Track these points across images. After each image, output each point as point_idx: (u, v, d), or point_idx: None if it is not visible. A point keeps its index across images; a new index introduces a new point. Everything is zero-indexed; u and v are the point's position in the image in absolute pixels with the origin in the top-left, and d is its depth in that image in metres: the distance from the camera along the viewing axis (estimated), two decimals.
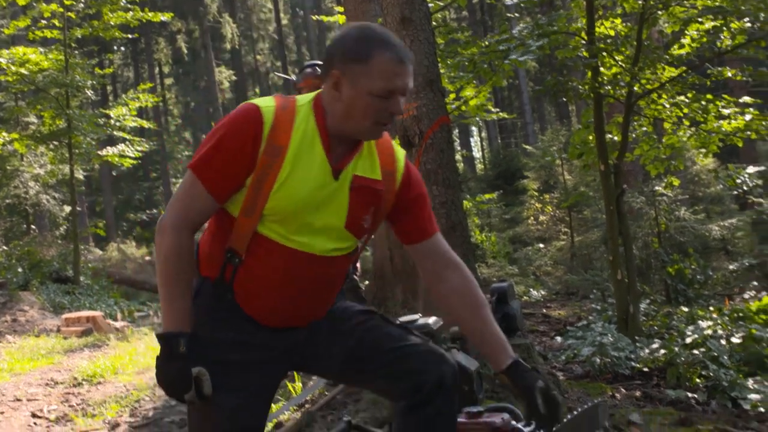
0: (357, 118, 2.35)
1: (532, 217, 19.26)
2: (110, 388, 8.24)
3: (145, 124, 21.34)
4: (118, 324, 13.57)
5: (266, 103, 2.38)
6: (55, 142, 19.07)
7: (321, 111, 2.41)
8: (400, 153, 2.62)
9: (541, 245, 18.13)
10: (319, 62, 5.76)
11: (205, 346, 2.43)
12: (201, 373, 2.37)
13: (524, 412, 2.52)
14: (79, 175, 21.58)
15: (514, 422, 3.20)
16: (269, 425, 5.70)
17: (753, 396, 5.14)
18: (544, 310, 10.33)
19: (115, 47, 42.41)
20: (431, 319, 3.86)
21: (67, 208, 23.93)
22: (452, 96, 9.55)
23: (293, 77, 5.78)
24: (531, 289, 14.00)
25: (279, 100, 2.40)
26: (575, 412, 3.83)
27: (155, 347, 10.88)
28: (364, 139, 2.43)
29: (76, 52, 21.11)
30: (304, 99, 2.46)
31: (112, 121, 19.32)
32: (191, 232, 2.41)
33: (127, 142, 19.69)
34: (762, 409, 4.95)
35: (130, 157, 19.63)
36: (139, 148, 19.72)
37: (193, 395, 2.37)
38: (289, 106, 2.40)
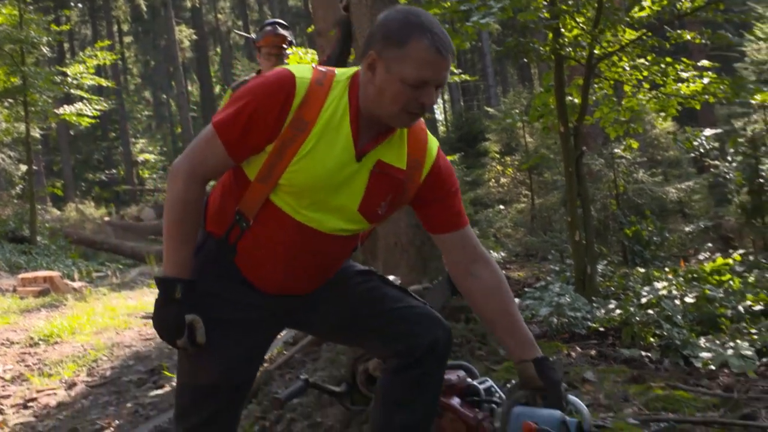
0: (386, 103, 2.28)
1: (493, 180, 19.32)
2: (67, 348, 8.21)
3: (104, 83, 21.06)
4: (76, 284, 13.47)
5: (303, 74, 2.31)
6: (10, 100, 18.75)
7: (356, 90, 2.34)
8: (434, 144, 2.55)
9: (502, 207, 18.22)
10: (280, 21, 5.70)
11: (202, 300, 2.43)
12: (195, 321, 2.37)
13: (542, 403, 2.54)
14: (36, 133, 21.30)
15: (469, 379, 3.24)
16: None
17: (704, 354, 5.24)
18: (504, 272, 10.40)
19: (72, 3, 41.62)
20: (390, 277, 3.87)
21: (23, 167, 23.59)
22: None
23: (253, 36, 5.71)
24: (491, 251, 14.08)
25: (316, 74, 2.34)
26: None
27: (113, 307, 10.83)
28: (392, 125, 2.36)
29: (31, 7, 20.70)
30: (343, 75, 2.39)
31: (69, 79, 19.04)
32: (202, 182, 2.38)
33: (85, 101, 19.43)
34: (712, 367, 5.05)
35: (88, 116, 19.40)
36: (97, 107, 19.49)
37: (186, 342, 2.37)
38: (326, 81, 2.33)
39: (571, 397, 2.46)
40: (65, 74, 19.13)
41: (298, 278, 2.52)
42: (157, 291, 2.37)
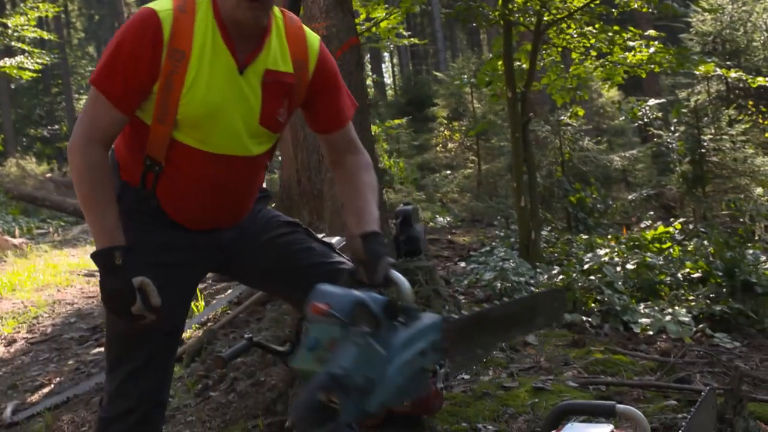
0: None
1: (440, 145, 19.33)
2: (7, 304, 8.09)
3: (46, 36, 20.60)
4: (17, 241, 13.25)
5: (163, 7, 2.29)
6: None
7: (217, 6, 2.34)
8: (314, 39, 2.54)
9: (449, 172, 18.26)
10: None
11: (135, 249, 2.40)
12: (144, 283, 2.29)
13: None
14: None
15: None
16: None
17: (643, 320, 5.34)
18: (449, 237, 10.46)
19: None
20: (334, 239, 3.87)
21: None
22: (363, 17, 9.43)
23: None
24: (437, 216, 14.13)
25: (176, 2, 2.31)
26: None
27: (55, 264, 10.69)
28: (246, 22, 2.32)
29: None
30: None
31: (10, 31, 18.55)
32: (103, 147, 2.33)
33: (27, 54, 18.95)
34: (651, 333, 5.15)
35: (29, 70, 18.93)
36: (39, 61, 19.01)
37: (140, 307, 2.28)
38: (188, 6, 2.32)
39: (394, 273, 2.39)
40: (5, 26, 18.65)
41: (224, 208, 2.50)
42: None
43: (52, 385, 5.36)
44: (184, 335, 5.72)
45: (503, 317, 2.75)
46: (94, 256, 2.31)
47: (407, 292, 2.35)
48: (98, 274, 2.32)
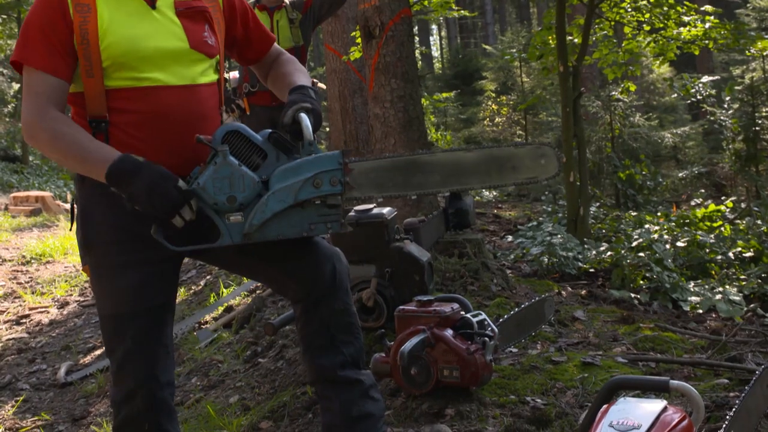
0: None
1: (488, 119, 19.22)
2: (59, 267, 8.24)
3: None
4: (68, 205, 13.46)
5: None
6: (4, 16, 18.45)
7: None
8: None
9: None
10: None
11: (104, 227, 2.44)
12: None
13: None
14: None
15: (462, 312, 3.27)
16: (219, 309, 5.76)
17: (692, 298, 5.29)
18: (495, 211, 10.41)
19: None
20: (386, 210, 3.88)
21: (16, 86, 23.35)
22: None
23: None
24: (483, 190, 14.08)
25: None
26: (522, 306, 3.93)
27: None
28: None
29: None
30: None
31: None
32: (54, 109, 2.38)
33: None
34: (700, 311, 5.10)
35: None
36: None
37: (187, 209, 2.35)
38: None
39: (301, 114, 2.45)
40: None
41: (179, 146, 2.47)
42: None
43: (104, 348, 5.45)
44: (233, 302, 5.78)
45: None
46: (113, 171, 2.29)
47: (306, 131, 2.44)
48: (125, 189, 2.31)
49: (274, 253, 2.56)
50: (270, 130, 2.48)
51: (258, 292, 5.71)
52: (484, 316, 3.28)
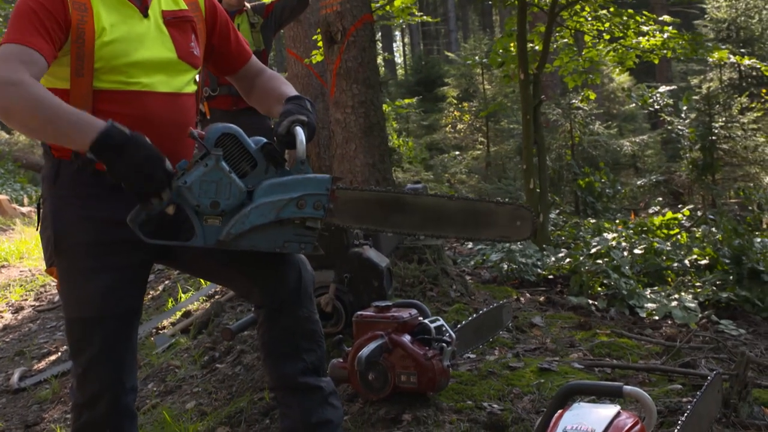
0: None
1: (450, 125, 19.30)
2: (15, 272, 8.13)
3: None
4: (25, 209, 13.30)
5: None
6: None
7: None
8: None
9: (458, 153, 18.23)
10: None
11: (76, 228, 2.42)
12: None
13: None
14: None
15: (421, 318, 3.28)
16: (177, 313, 5.72)
17: (649, 305, 5.33)
18: None
19: None
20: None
21: None
22: None
23: None
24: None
25: None
26: (480, 312, 3.95)
27: None
28: None
29: None
30: None
31: None
32: (26, 74, 2.25)
33: None
34: (656, 318, 5.15)
35: None
36: None
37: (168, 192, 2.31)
38: None
39: (297, 128, 2.44)
40: None
41: (165, 155, 2.39)
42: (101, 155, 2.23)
43: (59, 353, 5.39)
44: (191, 307, 5.75)
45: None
46: (100, 142, 2.20)
47: (300, 147, 2.43)
48: (110, 161, 2.23)
49: (240, 257, 2.55)
50: (264, 141, 2.46)
51: (217, 297, 5.69)
52: (442, 321, 3.29)
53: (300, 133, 2.44)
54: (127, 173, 2.23)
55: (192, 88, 2.64)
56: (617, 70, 9.91)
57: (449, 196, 2.95)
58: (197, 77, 2.68)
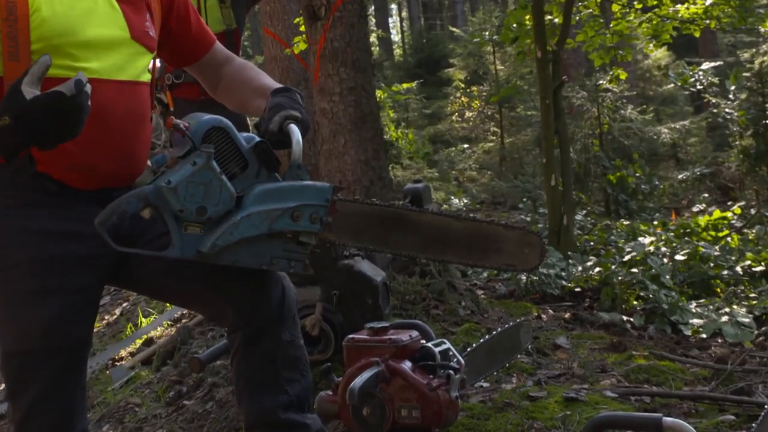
0: None
1: (456, 113, 19.32)
2: None
3: None
4: None
5: None
6: None
7: None
8: None
9: (466, 146, 18.25)
10: None
11: (14, 246, 2.38)
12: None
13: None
14: None
15: (423, 341, 3.27)
16: (137, 341, 5.71)
17: (694, 321, 5.33)
18: None
19: None
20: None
21: None
22: None
23: None
24: (452, 197, 14.12)
25: None
26: (494, 332, 3.94)
27: None
28: None
29: None
30: None
31: None
32: None
33: None
34: (704, 336, 5.14)
35: None
36: None
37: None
38: None
39: (291, 126, 2.45)
40: None
41: (113, 150, 2.44)
42: None
43: None
44: (154, 333, 5.74)
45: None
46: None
47: (296, 147, 2.43)
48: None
49: (207, 272, 2.54)
50: (257, 138, 2.46)
51: (184, 321, 5.68)
52: (448, 345, 3.28)
53: (296, 131, 2.45)
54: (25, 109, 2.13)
55: (148, 77, 2.62)
56: (652, 44, 9.90)
57: (456, 215, 3.01)
58: (150, 65, 2.65)
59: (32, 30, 2.32)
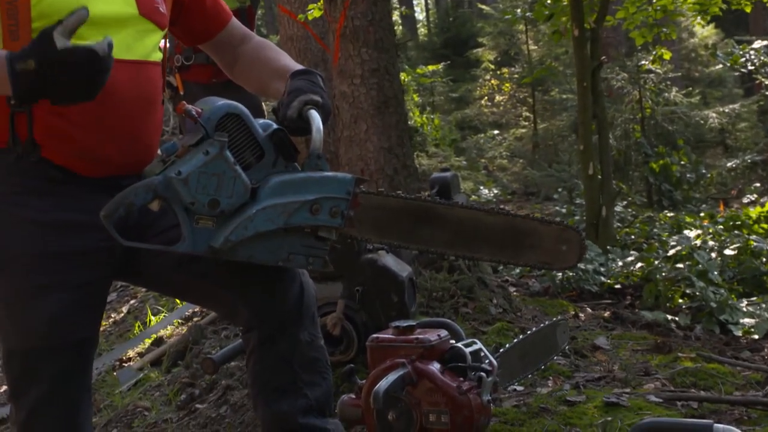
0: None
1: (486, 97, 19.29)
2: None
3: None
4: None
5: None
6: None
7: None
8: None
9: (496, 132, 18.22)
10: None
11: (15, 242, 2.39)
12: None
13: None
14: None
15: (453, 341, 3.27)
16: (146, 341, 5.74)
17: (746, 320, 5.30)
18: None
19: None
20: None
21: None
22: None
23: None
24: (481, 187, 14.12)
25: None
26: (528, 332, 3.94)
27: None
28: None
29: None
30: None
31: None
32: None
33: None
34: (756, 336, 5.12)
35: None
36: None
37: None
38: None
39: (312, 112, 2.45)
40: None
41: (119, 135, 2.45)
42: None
43: None
44: (164, 332, 5.76)
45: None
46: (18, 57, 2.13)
47: (316, 135, 2.43)
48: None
49: (221, 268, 2.54)
50: (274, 125, 2.46)
51: (195, 319, 5.70)
52: (480, 345, 3.28)
53: (316, 118, 2.44)
54: (54, 66, 2.11)
55: (158, 56, 2.61)
56: (698, 20, 9.85)
57: (487, 209, 3.01)
58: (161, 44, 2.65)
59: (33, 6, 2.31)
